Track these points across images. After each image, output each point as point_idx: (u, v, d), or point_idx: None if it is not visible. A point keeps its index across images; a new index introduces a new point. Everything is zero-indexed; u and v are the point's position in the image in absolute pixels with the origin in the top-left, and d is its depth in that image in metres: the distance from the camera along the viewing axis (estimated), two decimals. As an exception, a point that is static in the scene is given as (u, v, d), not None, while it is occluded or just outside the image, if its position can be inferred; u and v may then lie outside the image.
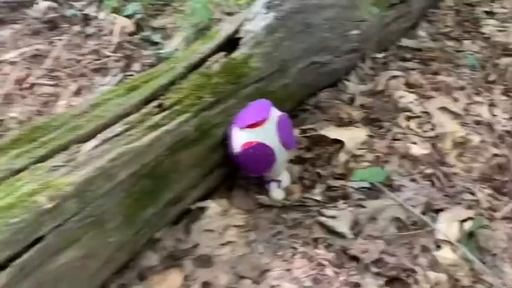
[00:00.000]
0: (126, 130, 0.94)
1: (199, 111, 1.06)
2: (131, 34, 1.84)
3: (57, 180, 0.78)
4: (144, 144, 0.92)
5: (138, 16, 1.93)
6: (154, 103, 1.03)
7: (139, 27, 1.89)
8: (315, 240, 1.07)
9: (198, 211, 1.09)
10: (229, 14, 1.94)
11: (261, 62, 1.22)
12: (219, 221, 1.09)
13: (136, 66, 1.64)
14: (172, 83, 1.10)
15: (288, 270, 1.02)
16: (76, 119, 0.95)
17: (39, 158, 0.83)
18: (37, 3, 2.00)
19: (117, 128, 0.94)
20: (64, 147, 0.87)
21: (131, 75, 1.58)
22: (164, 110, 1.02)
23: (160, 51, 1.78)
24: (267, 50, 1.25)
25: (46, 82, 1.50)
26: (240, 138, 1.06)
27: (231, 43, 1.27)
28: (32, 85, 1.49)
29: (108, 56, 1.66)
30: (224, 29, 1.34)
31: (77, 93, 1.45)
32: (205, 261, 1.01)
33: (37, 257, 0.72)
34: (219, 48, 1.24)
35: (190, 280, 0.97)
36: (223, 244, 1.05)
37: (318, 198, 1.17)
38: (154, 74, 1.14)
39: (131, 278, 0.96)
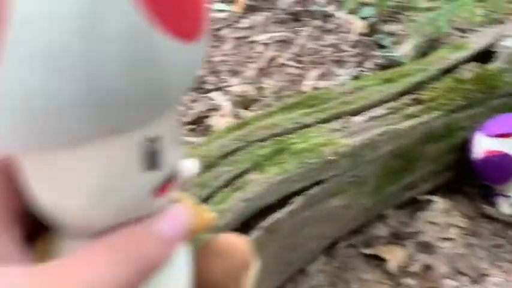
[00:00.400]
0: (388, 114, 1.06)
1: (449, 112, 1.13)
2: (364, 35, 1.99)
3: (337, 140, 0.95)
4: (402, 129, 1.04)
5: (372, 19, 2.08)
6: (411, 96, 1.14)
7: (372, 29, 2.03)
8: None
9: (424, 203, 1.17)
10: (460, 29, 1.95)
11: (514, 77, 1.23)
12: (442, 217, 1.15)
13: (368, 64, 1.78)
14: (425, 82, 1.19)
15: (508, 281, 1.03)
16: (344, 96, 1.11)
17: (321, 120, 1.01)
18: (285, -3, 2.30)
19: (380, 110, 1.07)
20: (338, 116, 1.03)
21: (364, 71, 1.73)
22: (419, 103, 1.12)
23: (390, 54, 1.89)
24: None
25: (293, 64, 1.74)
26: (484, 145, 1.10)
27: (481, 55, 1.31)
28: (281, 64, 1.74)
29: (345, 51, 1.83)
30: (475, 42, 1.38)
31: (319, 78, 1.65)
32: (427, 247, 1.09)
33: (317, 195, 0.88)
34: (471, 59, 1.29)
35: (412, 260, 1.06)
36: (444, 238, 1.11)
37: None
38: (407, 72, 1.24)
39: (359, 241, 1.09)
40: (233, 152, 0.88)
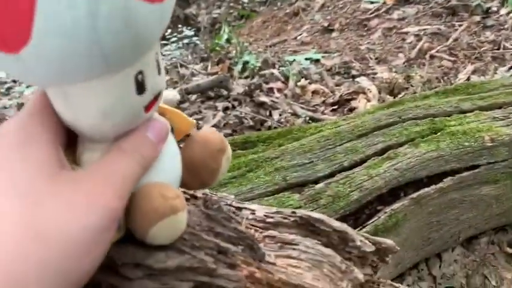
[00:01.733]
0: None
1: None
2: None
3: (497, 127, 0.92)
4: None
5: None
6: None
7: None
8: None
9: None
10: None
11: None
12: None
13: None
14: None
15: None
16: (508, 88, 1.06)
17: (480, 107, 0.98)
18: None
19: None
20: (500, 106, 0.99)
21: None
22: None
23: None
24: None
25: (446, 57, 1.68)
26: None
27: None
28: (433, 57, 1.69)
29: (506, 48, 1.71)
30: None
31: (474, 73, 1.57)
32: None
33: (469, 179, 0.87)
34: None
35: None
36: None
37: None
38: None
39: (504, 240, 1.04)
40: (388, 125, 0.91)
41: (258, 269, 0.38)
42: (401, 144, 0.87)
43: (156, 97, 0.29)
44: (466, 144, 0.88)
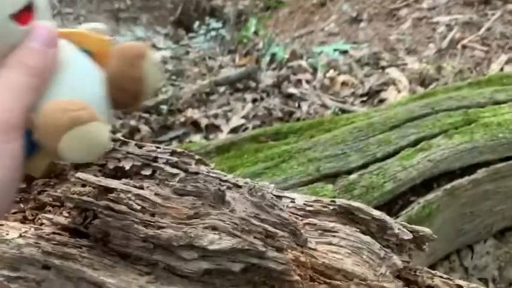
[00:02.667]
0: None
1: None
2: None
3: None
4: None
5: None
6: None
7: None
8: None
9: None
10: None
11: None
12: None
13: None
14: None
15: None
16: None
17: (515, 99, 0.97)
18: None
19: None
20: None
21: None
22: None
23: None
24: None
25: (478, 47, 1.65)
26: None
27: None
28: (465, 47, 1.67)
29: (542, 37, 1.67)
30: None
31: (507, 63, 1.54)
32: None
33: (503, 171, 0.87)
34: None
35: None
36: None
37: None
38: None
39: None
40: (420, 117, 0.91)
41: (302, 253, 0.40)
42: (434, 136, 0.86)
43: (31, 8, 0.28)
44: (501, 135, 0.87)
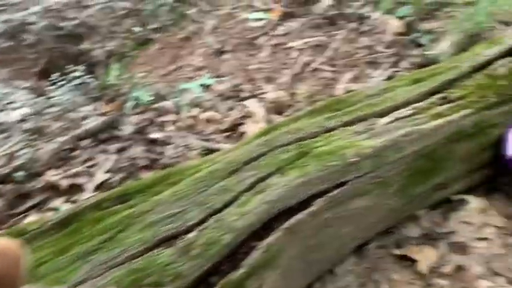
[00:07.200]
0: (414, 114, 1.07)
1: (480, 109, 1.11)
2: (401, 34, 1.97)
3: (359, 142, 0.96)
4: (428, 128, 1.03)
5: (409, 18, 2.05)
6: (439, 95, 1.13)
7: (409, 28, 2.00)
8: None
9: (457, 203, 1.15)
10: (506, 23, 1.88)
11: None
12: (478, 217, 1.13)
13: (404, 64, 1.77)
14: (456, 79, 1.18)
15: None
16: (371, 99, 1.12)
17: (345, 123, 1.03)
18: (320, 1, 2.32)
19: (407, 111, 1.07)
20: (363, 119, 1.05)
21: (399, 71, 1.71)
22: (449, 102, 1.11)
23: (427, 52, 1.86)
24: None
25: (326, 68, 1.76)
26: (518, 142, 1.08)
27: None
28: (315, 69, 1.77)
29: (380, 52, 1.83)
30: (510, 36, 1.35)
31: (352, 80, 1.66)
32: (460, 248, 1.08)
33: (339, 197, 0.91)
34: (506, 54, 1.26)
35: (444, 260, 1.05)
36: (480, 238, 1.09)
37: None
38: (438, 70, 1.23)
39: (390, 242, 1.09)
40: (259, 156, 0.93)
41: None
42: (270, 175, 0.88)
43: None
44: (333, 163, 0.92)
